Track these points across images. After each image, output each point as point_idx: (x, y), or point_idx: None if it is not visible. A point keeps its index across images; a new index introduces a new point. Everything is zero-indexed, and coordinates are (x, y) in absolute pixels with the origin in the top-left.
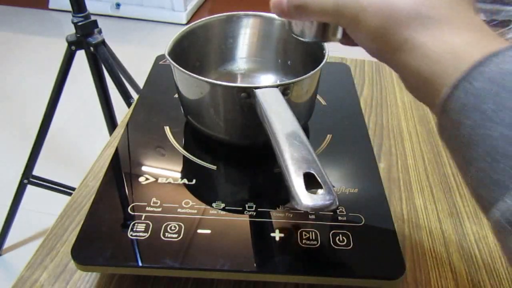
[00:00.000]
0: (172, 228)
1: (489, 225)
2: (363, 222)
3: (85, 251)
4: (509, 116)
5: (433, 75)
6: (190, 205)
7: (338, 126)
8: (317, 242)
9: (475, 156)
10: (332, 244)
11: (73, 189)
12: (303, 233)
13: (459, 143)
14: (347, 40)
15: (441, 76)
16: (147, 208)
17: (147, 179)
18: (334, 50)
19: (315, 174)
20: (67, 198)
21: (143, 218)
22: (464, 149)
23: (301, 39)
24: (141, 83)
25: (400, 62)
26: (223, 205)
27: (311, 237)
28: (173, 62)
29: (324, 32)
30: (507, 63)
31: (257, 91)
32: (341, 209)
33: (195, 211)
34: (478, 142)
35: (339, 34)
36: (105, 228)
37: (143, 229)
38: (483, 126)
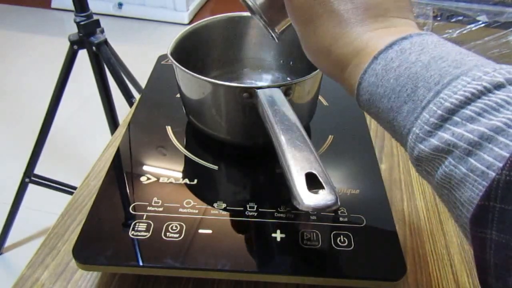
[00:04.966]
0: (173, 228)
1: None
2: (364, 223)
3: (86, 250)
4: (383, 102)
5: (350, 87)
6: (191, 205)
7: (339, 127)
8: (318, 243)
9: (382, 125)
10: (333, 245)
11: (75, 188)
12: (304, 233)
13: (372, 117)
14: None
15: (352, 86)
16: (149, 208)
17: (148, 178)
18: None
19: (317, 174)
20: (68, 197)
21: (144, 217)
22: (375, 120)
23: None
24: (143, 83)
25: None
26: (224, 205)
27: (312, 238)
28: (175, 62)
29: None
30: (378, 64)
31: (259, 91)
32: (342, 210)
33: (196, 211)
34: (377, 119)
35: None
36: (106, 227)
37: (144, 229)
38: (377, 114)
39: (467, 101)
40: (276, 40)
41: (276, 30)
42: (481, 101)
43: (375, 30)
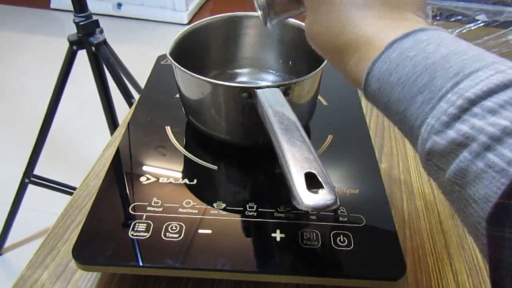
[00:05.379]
0: (173, 228)
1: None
2: (364, 223)
3: (86, 251)
4: (395, 91)
5: (356, 75)
6: (191, 205)
7: (339, 127)
8: (318, 243)
9: (390, 117)
10: (333, 244)
11: (74, 188)
12: (304, 233)
13: (379, 109)
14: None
15: (358, 75)
16: (148, 208)
17: (148, 179)
18: None
19: (316, 174)
20: (68, 198)
21: (144, 218)
22: (383, 112)
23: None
24: (142, 83)
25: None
26: (224, 205)
27: (312, 238)
28: (174, 62)
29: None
30: (392, 52)
31: (259, 91)
32: (342, 210)
33: (196, 211)
34: (386, 110)
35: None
36: (106, 227)
37: (144, 229)
38: (387, 104)
39: (490, 92)
40: (265, 25)
41: (271, 14)
42: (504, 93)
43: (389, 19)
